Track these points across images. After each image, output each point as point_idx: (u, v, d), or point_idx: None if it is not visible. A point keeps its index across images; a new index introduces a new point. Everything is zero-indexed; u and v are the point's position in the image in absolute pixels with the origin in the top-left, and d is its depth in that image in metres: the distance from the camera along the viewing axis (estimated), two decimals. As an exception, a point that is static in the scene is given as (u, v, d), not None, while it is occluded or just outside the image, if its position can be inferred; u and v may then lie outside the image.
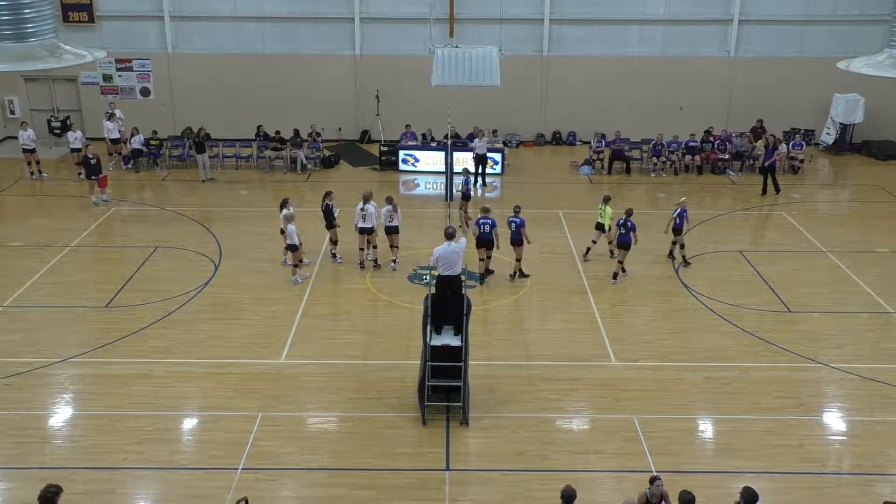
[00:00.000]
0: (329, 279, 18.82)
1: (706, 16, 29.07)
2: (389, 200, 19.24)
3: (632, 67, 29.18)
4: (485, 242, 18.28)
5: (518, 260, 18.67)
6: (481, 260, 18.67)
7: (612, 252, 19.70)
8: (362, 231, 19.04)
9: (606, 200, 19.69)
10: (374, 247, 19.35)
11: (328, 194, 19.53)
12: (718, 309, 17.50)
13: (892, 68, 14.69)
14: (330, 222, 19.38)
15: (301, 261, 18.72)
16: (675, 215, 19.29)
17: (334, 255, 19.61)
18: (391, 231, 19.24)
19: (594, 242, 19.89)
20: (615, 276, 18.75)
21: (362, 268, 19.18)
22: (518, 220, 18.35)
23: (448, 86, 21.52)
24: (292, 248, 18.33)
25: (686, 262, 19.49)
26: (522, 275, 18.76)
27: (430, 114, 26.68)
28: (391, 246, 19.39)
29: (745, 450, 12.92)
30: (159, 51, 29.22)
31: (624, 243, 18.49)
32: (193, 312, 17.19)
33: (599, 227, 19.73)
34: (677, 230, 19.36)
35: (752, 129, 27.98)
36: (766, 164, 24.67)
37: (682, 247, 19.55)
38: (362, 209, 18.88)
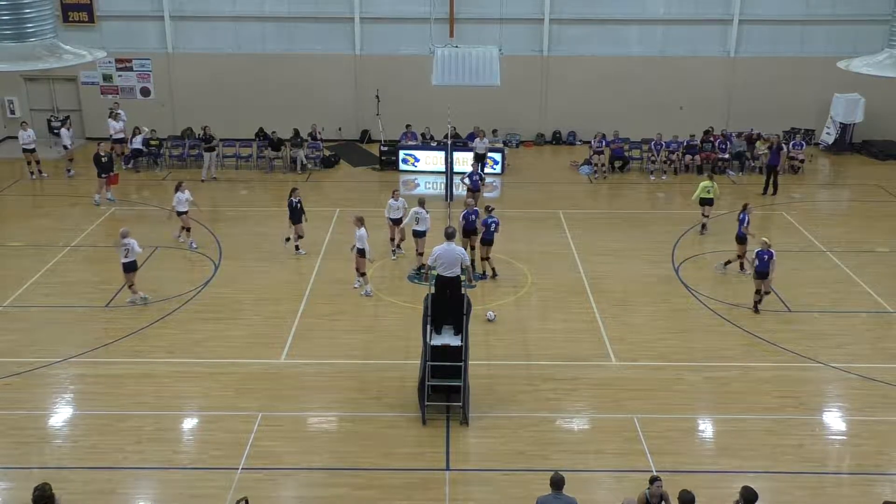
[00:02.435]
0: (329, 279, 18.80)
1: (706, 16, 29.06)
2: (420, 202, 19.15)
3: (632, 67, 29.18)
4: (488, 242, 18.59)
5: (488, 258, 18.81)
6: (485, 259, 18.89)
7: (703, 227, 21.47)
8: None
9: (711, 177, 21.43)
10: (363, 273, 18.05)
11: (294, 191, 19.76)
12: (718, 309, 17.50)
13: (892, 68, 14.71)
14: (296, 218, 19.58)
15: (132, 285, 17.33)
16: (755, 257, 17.15)
17: (288, 238, 19.89)
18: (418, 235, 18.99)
19: (707, 217, 21.27)
20: (742, 265, 19.04)
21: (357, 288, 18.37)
22: (497, 220, 18.54)
23: (448, 85, 21.54)
24: (129, 266, 17.03)
25: (756, 310, 17.25)
26: (495, 274, 18.83)
27: (430, 114, 26.68)
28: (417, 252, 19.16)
29: (745, 450, 12.93)
30: (159, 51, 29.22)
31: (740, 237, 18.68)
32: (193, 312, 17.19)
33: (707, 202, 20.99)
34: (761, 273, 17.01)
35: (747, 136, 27.88)
36: (771, 163, 24.84)
37: (766, 293, 17.26)
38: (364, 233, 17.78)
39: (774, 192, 24.78)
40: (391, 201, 19.61)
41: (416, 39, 26.95)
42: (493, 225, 18.47)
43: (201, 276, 18.86)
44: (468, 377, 13.58)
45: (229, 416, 13.61)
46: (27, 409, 13.81)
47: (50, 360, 15.20)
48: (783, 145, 25.70)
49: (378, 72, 28.93)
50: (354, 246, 17.74)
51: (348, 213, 22.27)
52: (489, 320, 16.66)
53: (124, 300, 17.48)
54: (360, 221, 17.73)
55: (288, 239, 20.11)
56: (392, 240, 19.90)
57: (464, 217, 18.90)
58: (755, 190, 24.99)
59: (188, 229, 20.47)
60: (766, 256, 16.84)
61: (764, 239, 17.24)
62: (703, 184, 21.15)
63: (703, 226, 21.46)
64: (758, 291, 17.20)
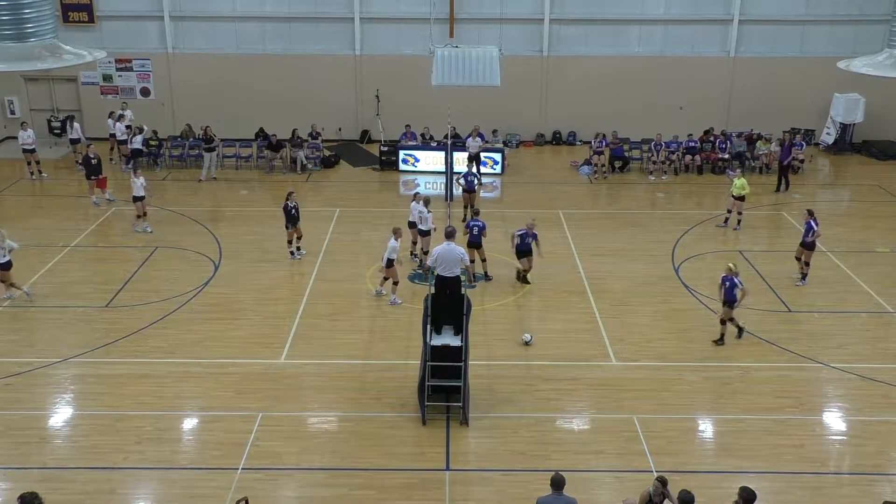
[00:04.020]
0: (329, 279, 18.80)
1: (706, 16, 29.05)
2: (425, 201, 19.12)
3: (632, 67, 29.18)
4: (474, 245, 18.42)
5: (478, 261, 18.70)
6: (483, 261, 18.77)
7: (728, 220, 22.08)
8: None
9: (741, 175, 22.25)
10: (394, 282, 17.73)
11: (290, 194, 19.58)
12: (718, 309, 17.46)
13: (892, 68, 14.71)
14: (293, 222, 19.44)
15: (11, 285, 17.35)
16: (720, 283, 15.94)
17: (292, 253, 19.71)
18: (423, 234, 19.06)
19: (738, 213, 21.81)
20: (804, 277, 18.70)
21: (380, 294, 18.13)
22: (481, 224, 18.45)
23: (448, 86, 21.53)
24: (7, 265, 17.13)
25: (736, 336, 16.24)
26: (487, 277, 18.79)
27: (430, 114, 26.66)
28: (423, 251, 19.11)
29: (745, 450, 12.93)
30: (159, 51, 29.22)
31: (809, 244, 18.49)
32: (193, 312, 17.19)
33: (742, 198, 21.64)
34: (728, 301, 15.83)
35: (747, 136, 27.88)
36: (784, 162, 25.03)
37: (722, 321, 16.08)
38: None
39: (787, 188, 25.01)
40: (412, 204, 19.34)
41: (416, 39, 26.97)
42: (476, 228, 18.40)
43: (201, 276, 18.86)
44: (468, 377, 13.58)
45: (229, 416, 13.61)
46: (27, 409, 13.81)
47: (50, 360, 15.20)
48: (792, 142, 25.83)
49: (378, 72, 28.93)
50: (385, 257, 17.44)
51: (349, 213, 22.37)
52: (526, 343, 16.03)
53: (120, 302, 17.49)
54: (396, 233, 17.52)
55: (297, 248, 19.77)
56: (414, 243, 19.57)
57: (519, 237, 18.26)
58: (757, 190, 24.94)
59: (142, 215, 21.11)
60: (727, 283, 15.69)
61: (729, 265, 16.02)
62: (737, 181, 21.73)
63: (739, 221, 21.89)
64: (725, 320, 15.93)
